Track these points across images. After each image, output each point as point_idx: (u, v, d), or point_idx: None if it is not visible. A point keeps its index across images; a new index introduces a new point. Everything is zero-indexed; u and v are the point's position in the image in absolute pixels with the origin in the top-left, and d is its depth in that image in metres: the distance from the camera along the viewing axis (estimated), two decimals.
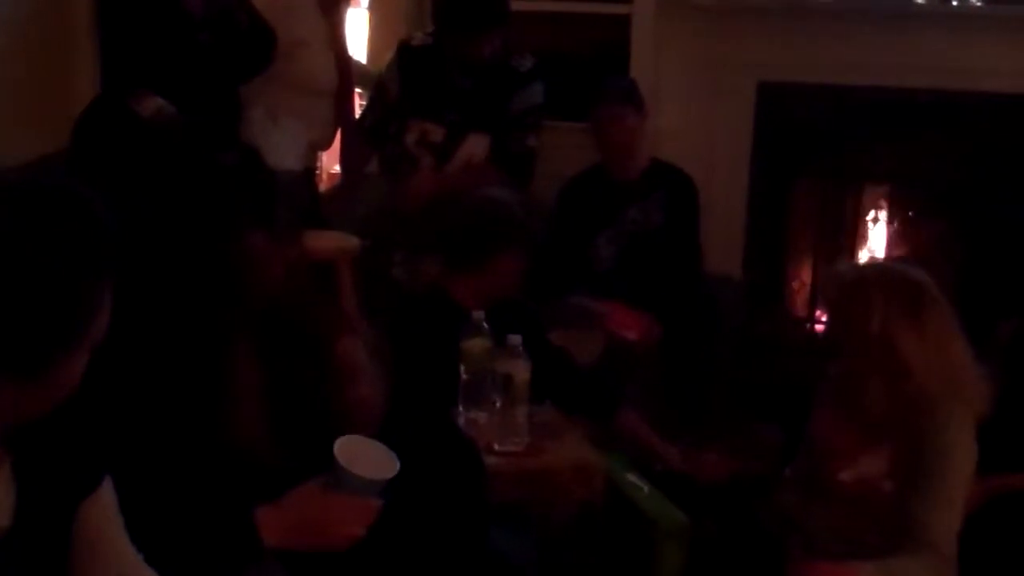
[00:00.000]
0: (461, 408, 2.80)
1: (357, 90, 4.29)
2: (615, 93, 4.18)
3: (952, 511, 2.43)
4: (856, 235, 4.86)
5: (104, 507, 1.57)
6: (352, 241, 3.67)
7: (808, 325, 4.90)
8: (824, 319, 4.74)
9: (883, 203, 4.86)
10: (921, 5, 4.37)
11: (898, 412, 2.50)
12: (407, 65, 4.08)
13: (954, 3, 4.35)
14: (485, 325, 2.83)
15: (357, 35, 4.66)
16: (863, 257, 4.76)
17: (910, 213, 4.79)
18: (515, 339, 2.76)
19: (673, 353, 3.91)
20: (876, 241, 4.85)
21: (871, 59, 4.48)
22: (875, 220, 4.87)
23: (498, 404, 2.76)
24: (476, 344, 2.80)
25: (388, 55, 4.18)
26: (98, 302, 1.42)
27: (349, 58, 4.12)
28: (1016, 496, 2.86)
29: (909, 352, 2.43)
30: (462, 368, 2.80)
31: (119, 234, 1.42)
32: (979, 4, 4.34)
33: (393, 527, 1.97)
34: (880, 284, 2.50)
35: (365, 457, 1.91)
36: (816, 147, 4.70)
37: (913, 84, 4.51)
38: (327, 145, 4.14)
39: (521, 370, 2.75)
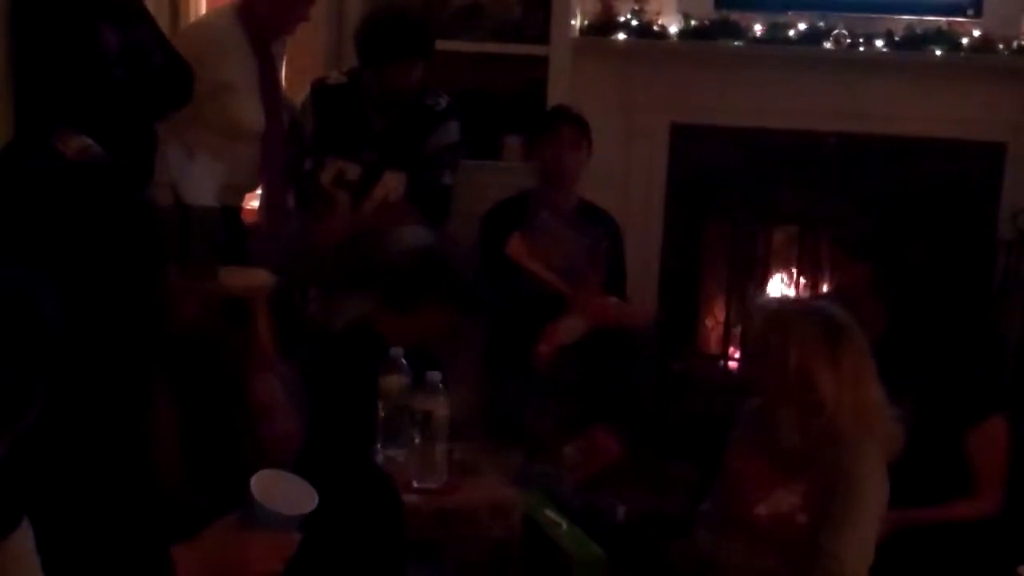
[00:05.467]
0: (379, 445, 2.79)
1: None
2: (576, 121, 4.15)
3: (864, 544, 2.47)
4: (767, 274, 4.94)
5: (21, 547, 1.54)
6: (267, 278, 3.64)
7: (721, 362, 4.96)
8: (737, 356, 4.82)
9: (792, 244, 4.95)
10: (829, 51, 4.47)
11: (811, 446, 2.53)
12: (322, 104, 4.06)
13: (860, 49, 4.46)
14: (403, 362, 2.82)
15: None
16: (772, 295, 4.84)
17: (823, 253, 4.88)
18: (434, 376, 2.76)
19: (589, 388, 3.91)
20: (785, 280, 4.93)
21: (781, 103, 4.58)
22: (784, 260, 4.95)
23: (416, 441, 2.75)
24: (394, 381, 2.79)
25: (303, 94, 4.17)
26: (33, 404, 1.42)
27: (281, 98, 4.05)
28: (921, 530, 2.92)
29: (824, 387, 2.48)
30: (380, 405, 2.79)
31: (65, 331, 1.42)
32: (885, 50, 4.45)
33: (310, 563, 1.95)
34: (801, 319, 2.56)
35: (282, 492, 1.89)
36: (727, 188, 4.78)
37: (821, 128, 4.62)
38: (253, 187, 4.08)
39: (440, 407, 2.74)
